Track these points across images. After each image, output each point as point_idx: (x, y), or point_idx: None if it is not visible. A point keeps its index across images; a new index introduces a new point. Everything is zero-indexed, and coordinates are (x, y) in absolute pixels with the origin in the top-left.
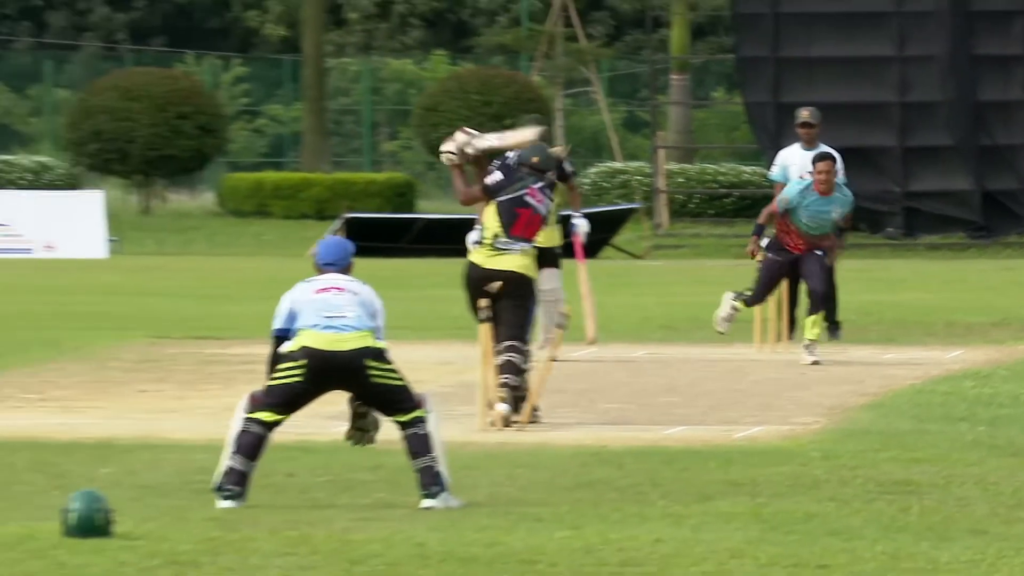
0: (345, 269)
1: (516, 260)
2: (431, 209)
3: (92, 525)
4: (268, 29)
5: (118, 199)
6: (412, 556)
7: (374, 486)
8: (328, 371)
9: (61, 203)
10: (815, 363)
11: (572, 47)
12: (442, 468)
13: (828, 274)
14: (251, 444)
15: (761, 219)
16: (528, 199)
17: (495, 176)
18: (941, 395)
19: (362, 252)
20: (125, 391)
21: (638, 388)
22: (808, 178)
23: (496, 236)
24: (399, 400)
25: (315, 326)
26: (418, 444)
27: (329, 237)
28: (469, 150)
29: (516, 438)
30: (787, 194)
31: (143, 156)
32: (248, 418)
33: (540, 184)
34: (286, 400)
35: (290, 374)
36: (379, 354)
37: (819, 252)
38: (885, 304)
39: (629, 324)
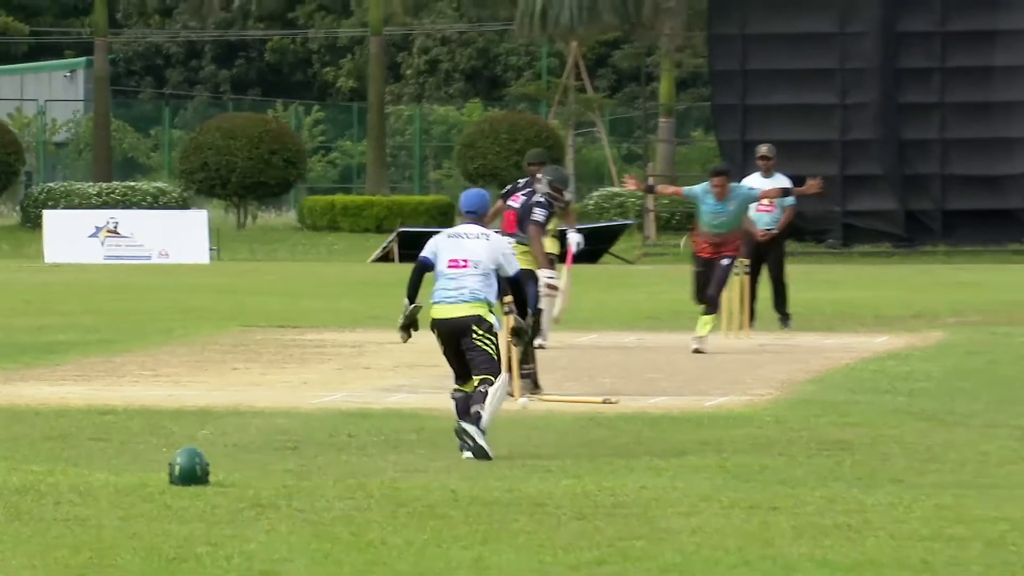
0: (483, 216)
1: None
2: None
3: (193, 475)
4: (341, 82)
5: (219, 217)
6: (446, 500)
7: (417, 445)
8: (449, 331)
9: (174, 220)
10: (697, 351)
11: (582, 97)
12: (485, 415)
13: (725, 281)
14: (462, 406)
15: (661, 187)
16: (510, 203)
17: None
18: (870, 372)
19: (411, 258)
20: (221, 369)
21: (628, 367)
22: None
23: None
24: (484, 364)
25: (440, 301)
26: (477, 396)
27: (471, 189)
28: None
29: (530, 407)
30: (694, 188)
31: (240, 183)
32: (454, 390)
33: (526, 191)
34: (454, 368)
35: (439, 346)
36: (488, 326)
37: (724, 261)
38: (826, 300)
39: (623, 316)
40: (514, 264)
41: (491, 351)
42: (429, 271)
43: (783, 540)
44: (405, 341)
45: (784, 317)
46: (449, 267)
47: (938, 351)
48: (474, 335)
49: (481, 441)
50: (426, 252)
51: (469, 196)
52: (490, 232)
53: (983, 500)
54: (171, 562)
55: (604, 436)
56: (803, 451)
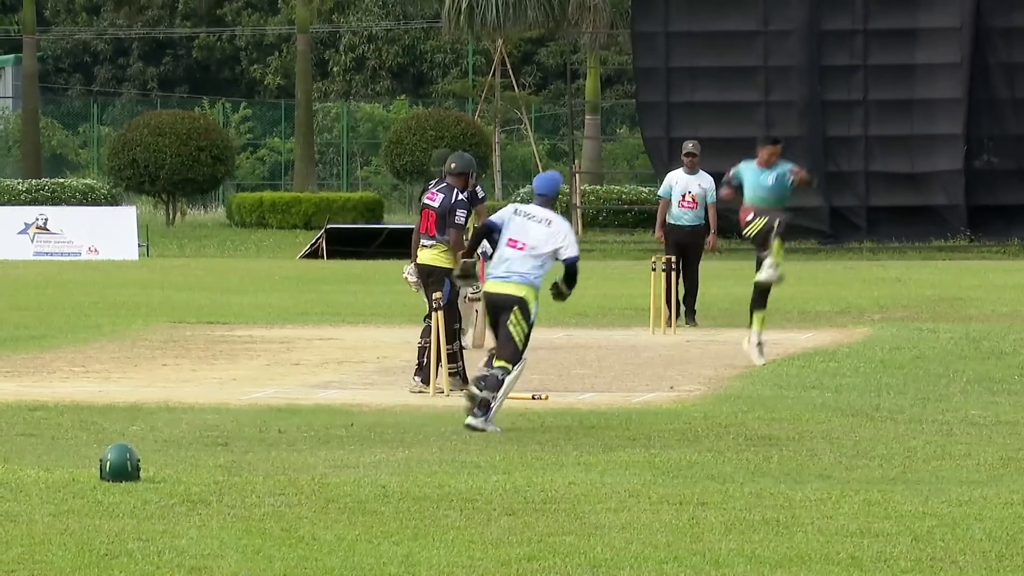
0: (553, 199)
1: (425, 254)
2: (395, 221)
3: (124, 471)
4: (268, 79)
5: (148, 213)
6: (376, 496)
7: (347, 441)
8: (494, 305)
9: (103, 216)
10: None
11: (507, 94)
12: (495, 405)
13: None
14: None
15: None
16: (426, 201)
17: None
18: (797, 368)
19: (339, 255)
20: (151, 365)
21: (556, 362)
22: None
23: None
24: (506, 348)
25: (493, 276)
26: (492, 382)
27: (546, 172)
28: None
29: (460, 403)
30: (734, 170)
31: (169, 179)
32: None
33: (441, 185)
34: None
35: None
36: (527, 312)
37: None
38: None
39: (550, 312)
40: (571, 249)
41: (519, 338)
42: (493, 233)
43: (712, 535)
44: (460, 288)
45: (691, 313)
46: (508, 245)
47: (864, 347)
48: (512, 316)
49: (484, 426)
50: (494, 217)
51: (542, 179)
52: (554, 217)
53: (910, 495)
54: (102, 558)
55: (533, 432)
56: (731, 447)
